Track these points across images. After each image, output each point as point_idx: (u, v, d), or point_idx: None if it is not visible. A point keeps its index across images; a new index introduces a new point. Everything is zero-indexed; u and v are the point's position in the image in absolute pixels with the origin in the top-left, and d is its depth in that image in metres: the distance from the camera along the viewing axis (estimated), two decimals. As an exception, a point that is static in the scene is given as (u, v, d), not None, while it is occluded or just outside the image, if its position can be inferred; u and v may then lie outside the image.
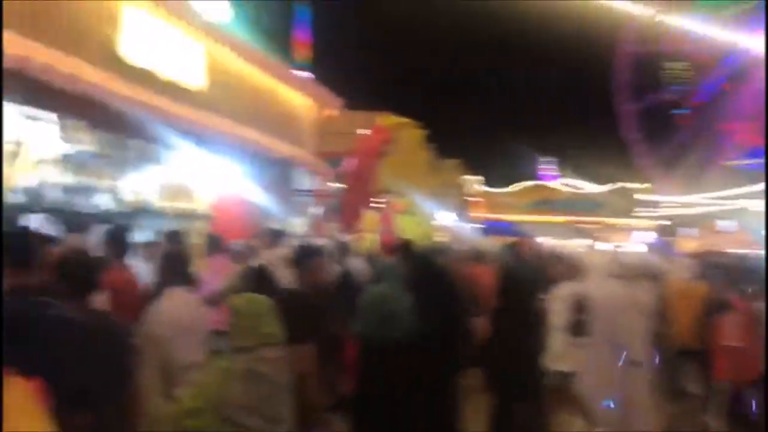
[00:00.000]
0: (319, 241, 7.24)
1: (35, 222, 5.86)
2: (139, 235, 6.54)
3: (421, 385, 3.26)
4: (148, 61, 5.42)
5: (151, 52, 5.36)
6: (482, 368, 4.68)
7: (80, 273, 2.88)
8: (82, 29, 4.80)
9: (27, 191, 6.52)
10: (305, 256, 4.05)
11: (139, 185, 7.84)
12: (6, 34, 4.31)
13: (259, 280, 4.37)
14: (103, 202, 7.70)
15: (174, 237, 5.76)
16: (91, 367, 2.57)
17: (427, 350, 3.38)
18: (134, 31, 5.14)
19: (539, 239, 13.88)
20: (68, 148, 6.08)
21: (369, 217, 12.04)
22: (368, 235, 11.55)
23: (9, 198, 6.37)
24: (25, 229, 3.94)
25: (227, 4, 7.54)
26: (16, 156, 6.19)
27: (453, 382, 3.99)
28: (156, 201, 8.18)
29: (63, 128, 5.74)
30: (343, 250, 6.61)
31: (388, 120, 12.55)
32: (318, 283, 3.89)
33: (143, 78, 5.36)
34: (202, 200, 8.59)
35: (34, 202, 6.83)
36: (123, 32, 5.03)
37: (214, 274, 5.64)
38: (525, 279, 4.95)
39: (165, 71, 5.62)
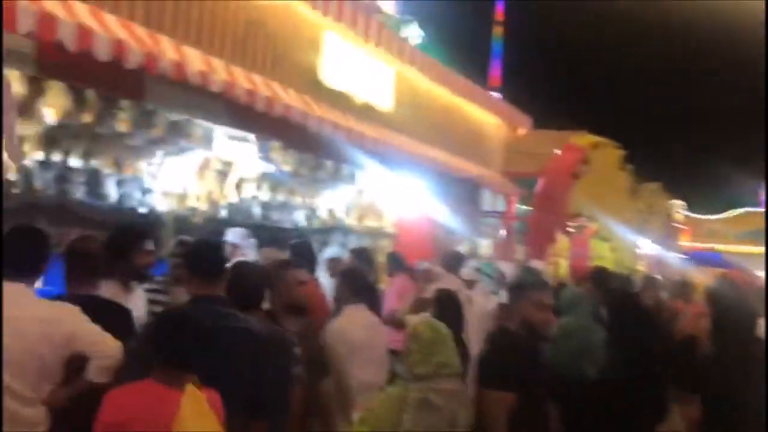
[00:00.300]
0: (535, 266, 6.97)
1: (234, 235, 6.25)
2: (330, 251, 6.70)
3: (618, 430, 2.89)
4: (344, 84, 5.55)
5: (347, 76, 5.49)
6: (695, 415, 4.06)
7: (254, 284, 2.94)
8: (282, 54, 5.01)
9: (230, 207, 7.00)
10: (520, 287, 3.40)
11: (331, 203, 8.12)
12: (214, 61, 4.58)
13: (444, 306, 4.23)
14: (298, 219, 8.09)
15: (360, 254, 5.82)
16: (265, 377, 2.58)
17: (624, 391, 2.99)
18: (332, 56, 5.28)
19: (754, 272, 12.36)
20: (267, 168, 6.42)
21: (561, 242, 11.47)
22: (560, 261, 10.98)
23: (217, 213, 6.89)
24: (219, 242, 4.15)
25: (418, 28, 7.61)
26: (225, 175, 6.67)
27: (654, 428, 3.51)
28: (347, 219, 8.42)
29: (262, 149, 6.05)
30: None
31: (582, 139, 11.91)
32: (531, 321, 3.11)
33: (338, 100, 5.51)
34: (389, 219, 8.69)
35: (237, 217, 7.34)
36: (322, 57, 5.17)
37: (395, 293, 5.61)
38: (743, 316, 4.27)
39: (359, 93, 5.72)
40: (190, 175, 6.38)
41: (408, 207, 8.23)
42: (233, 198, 6.80)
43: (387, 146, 5.98)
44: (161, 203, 6.41)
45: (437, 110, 6.99)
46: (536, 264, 7.94)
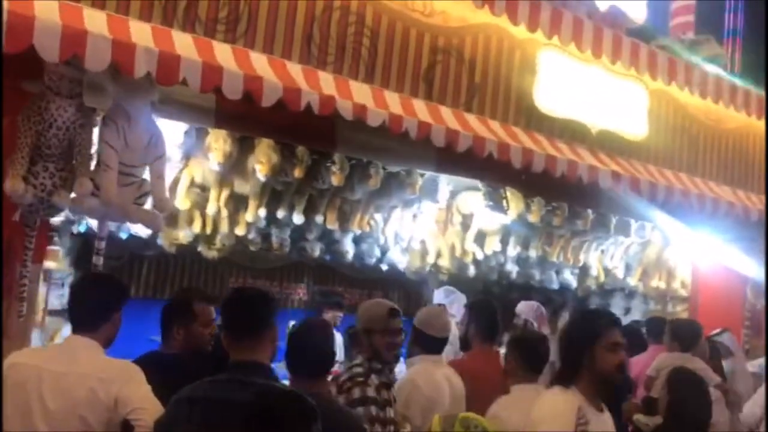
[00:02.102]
0: None
1: (439, 294, 5.64)
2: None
3: None
4: (574, 111, 4.66)
5: (577, 101, 4.61)
6: None
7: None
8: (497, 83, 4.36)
9: (479, 263, 6.42)
10: None
11: (607, 260, 6.98)
12: (443, 111, 4.09)
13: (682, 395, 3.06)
14: (567, 278, 7.12)
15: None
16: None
17: None
18: (554, 79, 4.49)
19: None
20: (506, 218, 5.73)
21: None
22: None
23: (465, 270, 6.38)
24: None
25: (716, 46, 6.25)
26: (465, 227, 6.16)
27: None
28: (630, 279, 7.15)
29: (491, 197, 5.41)
30: None
31: None
32: None
33: (568, 131, 4.62)
34: (680, 278, 7.15)
35: (489, 275, 6.71)
36: (539, 80, 4.42)
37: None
38: None
39: (595, 120, 4.77)
40: (425, 229, 6.02)
41: (704, 261, 6.64)
42: (478, 253, 6.23)
43: (648, 184, 4.82)
44: (402, 260, 6.16)
45: (721, 136, 5.53)
46: None
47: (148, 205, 3.37)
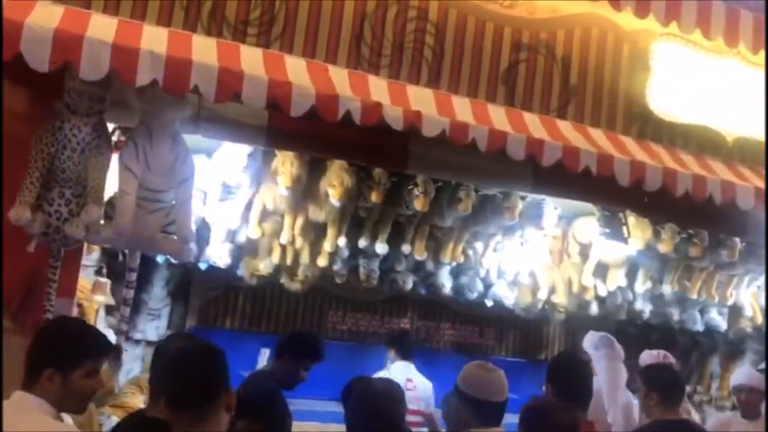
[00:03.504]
0: None
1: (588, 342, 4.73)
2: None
3: None
4: (704, 117, 3.74)
5: (706, 103, 3.71)
6: None
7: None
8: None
9: (602, 301, 5.49)
10: None
11: (761, 298, 5.74)
12: (527, 118, 3.44)
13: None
14: (714, 318, 5.94)
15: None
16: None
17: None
18: (674, 76, 3.62)
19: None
20: (628, 248, 4.80)
21: None
22: None
23: (586, 308, 5.49)
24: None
25: None
26: (583, 258, 5.29)
27: None
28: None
29: (608, 222, 4.52)
30: None
31: None
32: None
33: (702, 142, 3.72)
34: None
35: (616, 314, 5.73)
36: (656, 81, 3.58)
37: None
38: None
39: (737, 128, 3.80)
40: (535, 261, 5.22)
41: None
42: (600, 289, 5.31)
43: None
44: (509, 295, 5.39)
45: None
46: None
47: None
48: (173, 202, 2.90)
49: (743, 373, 3.78)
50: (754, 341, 6.29)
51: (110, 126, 2.85)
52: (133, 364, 5.53)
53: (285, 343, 3.69)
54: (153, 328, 5.64)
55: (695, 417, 3.96)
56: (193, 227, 3.25)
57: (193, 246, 2.96)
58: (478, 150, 3.20)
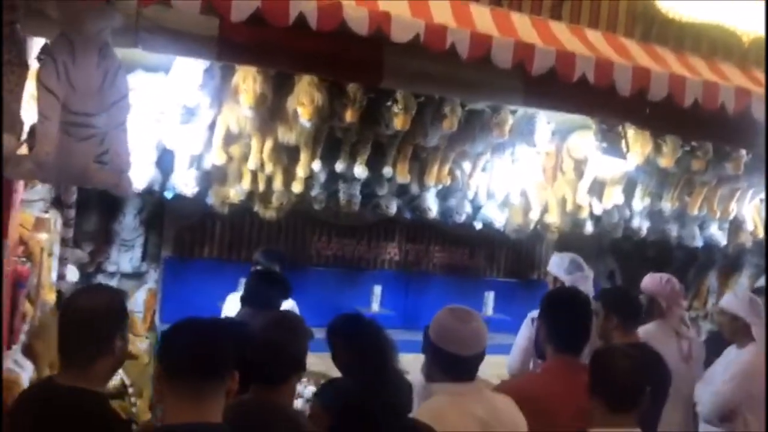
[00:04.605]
0: None
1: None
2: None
3: None
4: (717, 15, 3.27)
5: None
6: None
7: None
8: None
9: (598, 219, 5.17)
10: None
11: (763, 211, 5.42)
12: (515, 19, 2.97)
13: None
14: (714, 234, 5.63)
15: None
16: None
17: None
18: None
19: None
20: (626, 164, 4.41)
21: None
22: None
23: (581, 227, 5.16)
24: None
25: None
26: (579, 176, 4.92)
27: None
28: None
29: (605, 136, 4.12)
30: None
31: None
32: None
33: (714, 43, 3.26)
34: None
35: (613, 232, 5.42)
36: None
37: None
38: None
39: (754, 27, 3.33)
40: (526, 180, 4.85)
41: None
42: (596, 207, 4.97)
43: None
44: (499, 216, 5.05)
45: None
46: None
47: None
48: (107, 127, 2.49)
49: (730, 298, 3.48)
50: (754, 255, 6.03)
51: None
52: (109, 297, 5.24)
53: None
54: (127, 259, 5.34)
55: (691, 333, 3.68)
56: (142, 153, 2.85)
57: (134, 175, 2.56)
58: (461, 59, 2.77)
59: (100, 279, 5.23)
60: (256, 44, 2.88)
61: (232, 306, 4.31)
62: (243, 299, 3.50)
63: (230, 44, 2.83)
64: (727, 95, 2.96)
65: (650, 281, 3.81)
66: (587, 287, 3.76)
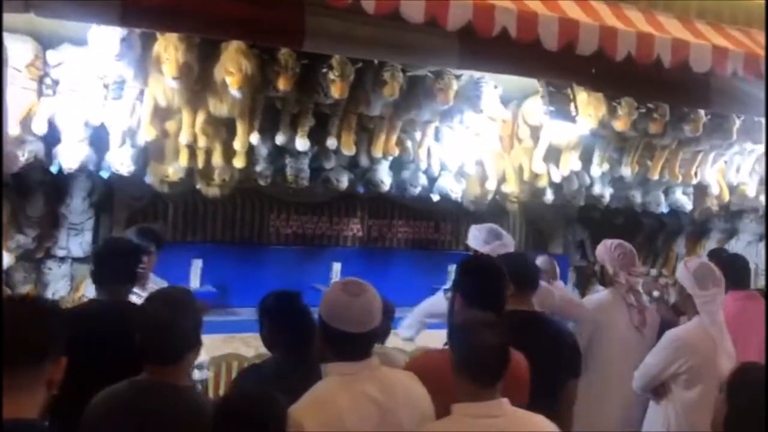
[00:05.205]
0: None
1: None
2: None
3: None
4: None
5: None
6: None
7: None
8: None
9: (558, 187, 5.02)
10: None
11: (728, 175, 5.28)
12: None
13: None
14: (679, 199, 5.49)
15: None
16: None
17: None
18: None
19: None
20: (581, 128, 4.25)
21: None
22: None
23: (541, 196, 5.02)
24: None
25: None
26: (534, 142, 4.77)
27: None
28: (762, 197, 5.39)
29: (553, 99, 3.95)
30: None
31: None
32: None
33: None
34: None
35: (574, 200, 5.27)
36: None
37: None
38: None
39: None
40: (481, 149, 4.69)
41: None
42: (554, 174, 4.82)
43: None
44: (455, 187, 4.90)
45: None
46: None
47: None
48: None
49: (680, 267, 3.30)
50: (721, 220, 5.90)
51: None
52: (60, 283, 5.10)
53: None
54: (77, 243, 5.16)
55: (644, 301, 3.54)
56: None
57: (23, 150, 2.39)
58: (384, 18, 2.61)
59: (50, 264, 5.07)
60: (165, 7, 2.72)
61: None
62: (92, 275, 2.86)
63: (135, 8, 2.66)
64: (662, 46, 2.79)
65: (600, 248, 3.67)
66: None
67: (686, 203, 5.43)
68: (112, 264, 2.63)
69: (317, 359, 1.95)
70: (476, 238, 3.54)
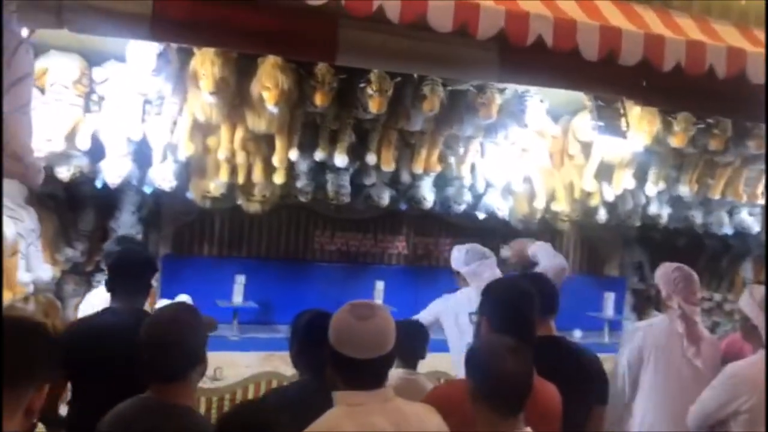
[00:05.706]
0: None
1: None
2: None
3: None
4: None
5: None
6: None
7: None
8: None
9: (611, 206, 4.78)
10: None
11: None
12: None
13: None
14: (745, 220, 5.15)
15: None
16: None
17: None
18: None
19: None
20: (634, 145, 4.03)
21: None
22: None
23: (592, 215, 4.79)
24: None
25: None
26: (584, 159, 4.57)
27: None
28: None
29: (601, 113, 3.75)
30: None
31: None
32: None
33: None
34: None
35: (628, 220, 5.01)
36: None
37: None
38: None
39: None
40: (529, 165, 4.51)
41: None
42: (607, 193, 4.60)
43: None
44: (502, 205, 4.73)
45: None
46: None
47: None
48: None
49: (744, 295, 3.03)
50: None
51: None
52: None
53: None
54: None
55: (701, 330, 3.27)
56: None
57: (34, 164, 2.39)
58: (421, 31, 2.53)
59: (99, 277, 5.15)
60: (192, 20, 2.70)
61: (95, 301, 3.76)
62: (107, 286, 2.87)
63: (164, 21, 2.65)
64: (716, 56, 2.58)
65: (660, 270, 3.41)
66: (493, 273, 3.49)
67: (753, 224, 5.08)
68: (130, 273, 2.62)
69: (331, 386, 1.84)
70: (457, 259, 3.41)
